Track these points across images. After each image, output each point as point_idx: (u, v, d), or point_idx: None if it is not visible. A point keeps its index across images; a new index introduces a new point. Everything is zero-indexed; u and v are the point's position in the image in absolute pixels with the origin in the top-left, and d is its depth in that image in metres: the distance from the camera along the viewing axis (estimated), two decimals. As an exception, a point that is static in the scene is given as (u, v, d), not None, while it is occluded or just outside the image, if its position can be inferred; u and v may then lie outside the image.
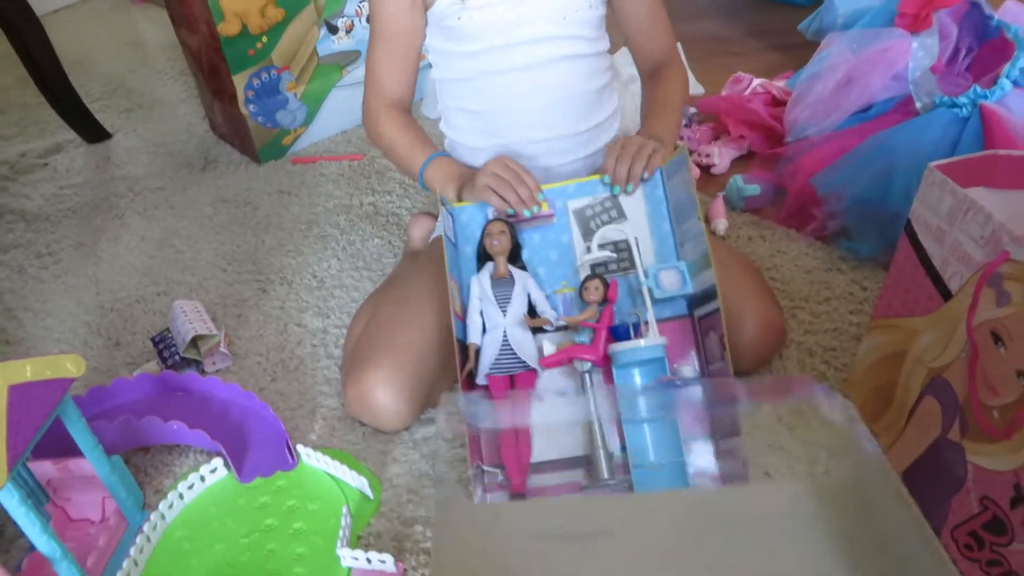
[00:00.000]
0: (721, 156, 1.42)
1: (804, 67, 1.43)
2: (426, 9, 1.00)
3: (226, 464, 0.97)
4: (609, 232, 0.95)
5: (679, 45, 1.11)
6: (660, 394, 0.91)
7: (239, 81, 1.53)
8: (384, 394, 0.96)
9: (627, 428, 0.89)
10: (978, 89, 1.17)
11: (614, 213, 0.96)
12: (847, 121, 1.29)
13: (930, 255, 0.80)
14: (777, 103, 1.50)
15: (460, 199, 1.00)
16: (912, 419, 0.85)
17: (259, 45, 1.53)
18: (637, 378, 0.91)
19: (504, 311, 0.92)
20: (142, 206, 1.55)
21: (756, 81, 1.58)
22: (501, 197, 0.93)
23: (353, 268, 1.30)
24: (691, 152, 1.48)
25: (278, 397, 1.08)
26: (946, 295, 0.78)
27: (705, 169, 1.44)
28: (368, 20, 1.66)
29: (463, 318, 0.93)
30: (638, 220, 0.95)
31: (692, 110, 1.58)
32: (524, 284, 0.94)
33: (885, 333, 0.89)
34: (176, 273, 1.34)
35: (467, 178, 0.99)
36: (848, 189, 1.17)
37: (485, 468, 0.92)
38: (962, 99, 1.18)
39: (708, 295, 0.88)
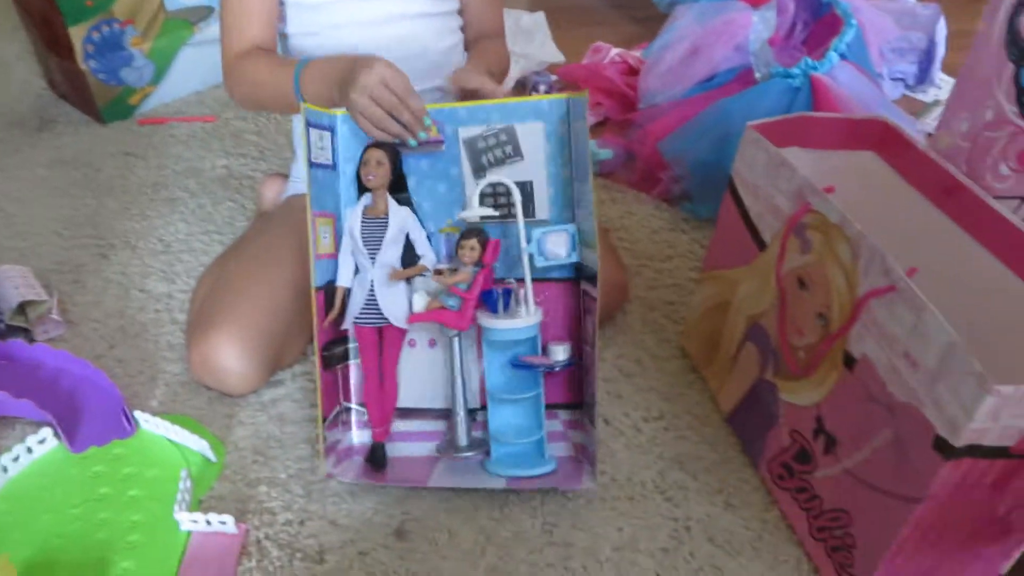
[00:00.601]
0: (578, 122, 1.46)
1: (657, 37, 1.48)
2: None
3: (56, 434, 0.92)
4: (503, 174, 0.86)
5: (543, 14, 1.13)
6: (526, 375, 0.87)
7: (76, 34, 1.43)
8: (229, 356, 0.93)
9: (490, 404, 0.87)
10: (809, 61, 1.26)
11: (509, 149, 0.87)
12: (693, 89, 1.35)
13: (748, 209, 0.85)
14: (633, 72, 1.55)
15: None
16: (736, 364, 0.91)
17: (97, -4, 1.43)
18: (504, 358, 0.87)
19: (373, 259, 0.86)
20: (-32, 168, 1.43)
21: (614, 51, 1.62)
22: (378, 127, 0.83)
23: (203, 232, 1.25)
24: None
25: (116, 364, 1.03)
26: (761, 246, 0.84)
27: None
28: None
29: (336, 255, 0.88)
30: (536, 161, 0.87)
31: (552, 78, 1.61)
32: (402, 225, 0.86)
33: (712, 285, 0.94)
34: (7, 239, 1.24)
35: (349, 82, 0.83)
36: (690, 154, 1.23)
37: (352, 407, 0.92)
38: (795, 70, 1.25)
39: (591, 278, 0.84)
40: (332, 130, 0.87)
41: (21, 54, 1.84)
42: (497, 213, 0.86)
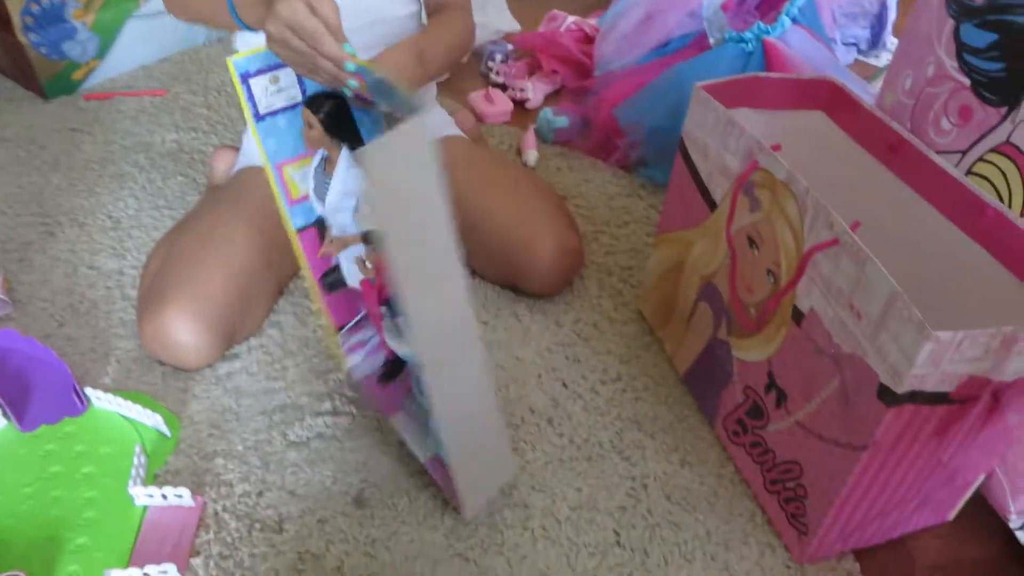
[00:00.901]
0: (535, 91, 1.45)
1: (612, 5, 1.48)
2: None
3: (5, 414, 0.90)
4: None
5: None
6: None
7: (13, 6, 1.38)
8: (182, 329, 0.92)
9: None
10: (761, 25, 1.26)
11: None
12: (648, 56, 1.35)
13: (699, 170, 0.86)
14: (589, 40, 1.55)
15: None
16: (690, 324, 0.92)
17: (34, -34, 1.38)
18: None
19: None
20: (-96, 146, 1.38)
21: (570, 19, 1.61)
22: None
23: (153, 207, 1.23)
24: (506, 88, 1.50)
25: (67, 342, 1.01)
26: (712, 206, 0.84)
27: (520, 103, 1.46)
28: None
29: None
30: None
31: (509, 47, 1.59)
32: (345, 188, 0.76)
33: (666, 247, 0.95)
34: (-54, 217, 1.21)
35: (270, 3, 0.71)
36: (646, 120, 1.24)
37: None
38: (747, 34, 1.26)
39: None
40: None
41: (-41, 29, 1.78)
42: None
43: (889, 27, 1.64)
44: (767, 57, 1.25)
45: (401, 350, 0.78)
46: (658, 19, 1.36)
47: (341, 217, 0.79)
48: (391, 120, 0.69)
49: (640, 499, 0.83)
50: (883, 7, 1.62)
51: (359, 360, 0.91)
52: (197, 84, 1.54)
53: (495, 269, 1.05)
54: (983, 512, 0.83)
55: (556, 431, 0.89)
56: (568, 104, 1.39)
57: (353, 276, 0.84)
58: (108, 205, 1.23)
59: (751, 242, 0.78)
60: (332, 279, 0.88)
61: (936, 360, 0.58)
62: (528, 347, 0.99)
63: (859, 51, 1.67)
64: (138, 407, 0.89)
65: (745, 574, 0.77)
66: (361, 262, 0.79)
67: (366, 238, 0.78)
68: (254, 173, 1.09)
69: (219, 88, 1.53)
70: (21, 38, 1.41)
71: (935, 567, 0.80)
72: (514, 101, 1.46)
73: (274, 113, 0.78)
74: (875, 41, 1.65)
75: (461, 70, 1.59)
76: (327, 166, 0.78)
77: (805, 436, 0.74)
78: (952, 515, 0.83)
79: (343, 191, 0.76)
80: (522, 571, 0.76)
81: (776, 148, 0.76)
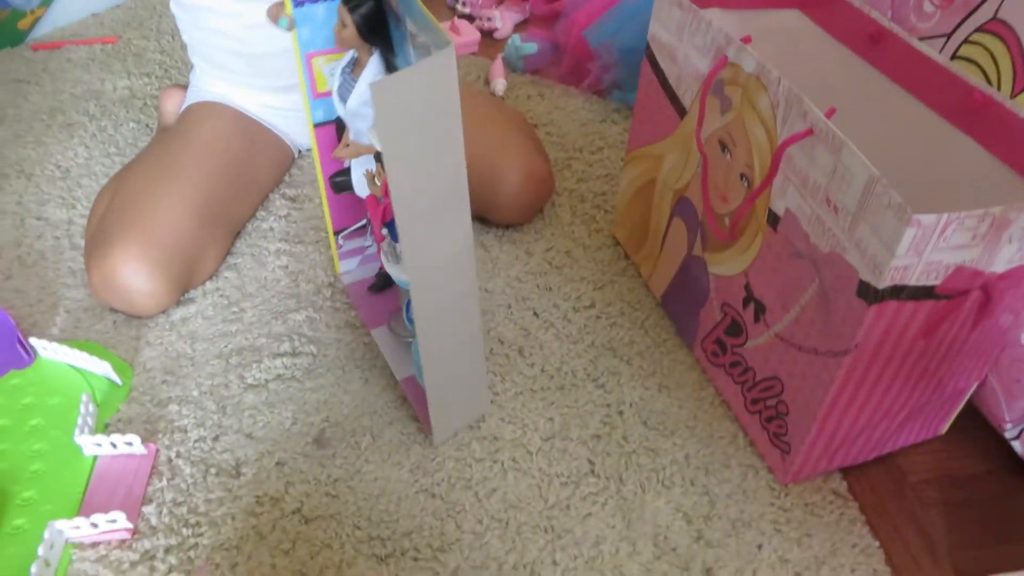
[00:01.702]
0: (503, 20, 1.38)
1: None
2: None
3: (-53, 368, 0.85)
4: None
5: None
6: None
7: (-52, -50, 1.31)
8: (133, 273, 0.87)
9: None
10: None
11: None
12: (618, -25, 1.28)
13: (666, 74, 0.80)
14: (559, -34, 1.47)
15: None
16: (665, 244, 0.87)
17: (-34, -94, 1.30)
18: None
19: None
20: None
21: (539, -55, 1.53)
22: None
23: (104, 155, 1.17)
24: (473, 19, 1.43)
25: (14, 295, 0.96)
26: (682, 112, 0.79)
27: (488, 34, 1.39)
28: None
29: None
30: None
31: (476, -23, 1.52)
32: (366, 96, 0.71)
33: (637, 165, 0.89)
34: None
35: None
36: (617, 41, 1.17)
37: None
38: (722, -54, 1.19)
39: None
40: None
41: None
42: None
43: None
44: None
45: (395, 275, 0.75)
46: (628, -64, 1.28)
47: (359, 123, 0.74)
48: (415, 42, 0.67)
49: (615, 426, 0.79)
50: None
51: (353, 267, 0.94)
52: (149, 29, 1.47)
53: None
54: (977, 425, 0.79)
55: (527, 361, 0.85)
56: (537, 30, 1.33)
57: (361, 187, 0.81)
58: (57, 155, 1.17)
59: (723, 146, 0.73)
60: (340, 181, 0.85)
61: (919, 248, 0.53)
62: (497, 278, 0.94)
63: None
64: (86, 355, 0.84)
65: (727, 497, 0.73)
66: (371, 177, 0.75)
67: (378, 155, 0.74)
68: (204, 108, 1.03)
69: (172, 33, 1.45)
70: (-42, -15, 1.34)
71: (927, 482, 0.76)
72: (482, 32, 1.39)
73: (314, 0, 0.73)
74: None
75: (425, 2, 1.51)
76: (355, 68, 0.73)
77: (785, 349, 0.69)
78: (944, 428, 0.79)
79: (365, 98, 0.72)
80: (491, 504, 0.73)
81: (746, 40, 0.70)
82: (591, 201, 1.04)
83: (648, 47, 0.82)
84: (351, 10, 0.68)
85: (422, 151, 0.57)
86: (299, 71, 0.77)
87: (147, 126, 1.22)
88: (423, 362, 0.69)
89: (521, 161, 0.95)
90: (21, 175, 1.14)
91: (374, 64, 0.70)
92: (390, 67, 0.71)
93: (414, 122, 0.55)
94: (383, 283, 0.92)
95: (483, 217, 1.00)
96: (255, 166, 1.02)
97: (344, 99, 0.74)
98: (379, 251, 0.77)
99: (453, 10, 1.49)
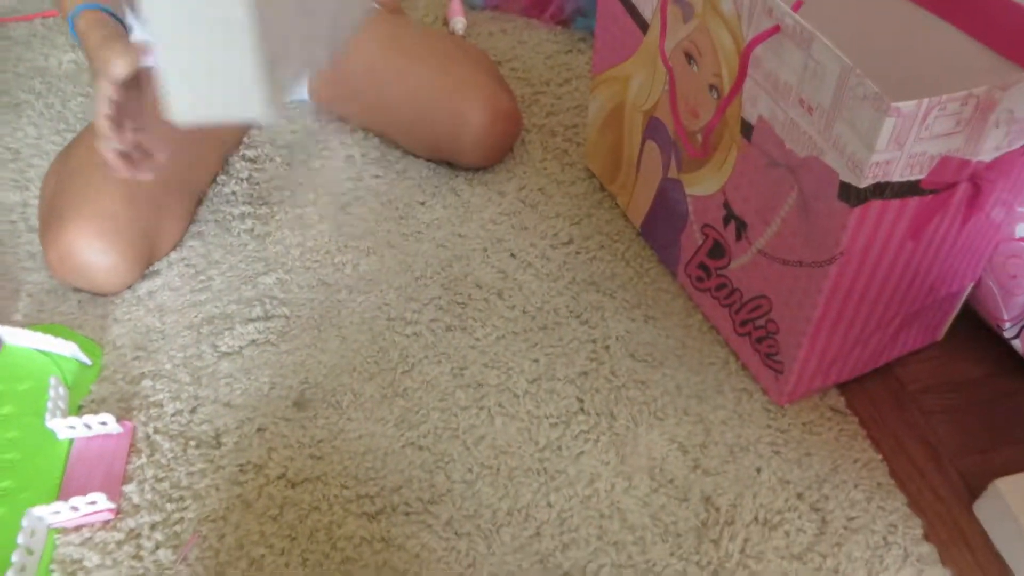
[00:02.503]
0: (458, -44, 1.32)
1: None
2: None
3: (-91, 364, 0.82)
4: None
5: None
6: None
7: None
8: (89, 249, 0.83)
9: None
10: None
11: None
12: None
13: (625, -13, 0.75)
14: None
15: None
16: (640, 170, 0.83)
17: None
18: None
19: None
20: None
21: None
22: None
23: (54, 132, 1.12)
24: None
25: (-27, 283, 0.92)
26: (644, 27, 0.74)
27: (444, -27, 1.33)
28: None
29: None
30: None
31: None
32: None
33: (604, 89, 0.85)
34: None
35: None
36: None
37: None
38: None
39: None
40: None
41: None
42: None
43: None
44: None
45: None
46: None
47: None
48: None
49: (603, 361, 0.76)
50: None
51: None
52: None
53: (427, 145, 0.95)
54: (975, 327, 0.77)
55: (507, 304, 0.82)
56: (494, -38, 1.27)
57: None
58: (6, 137, 1.12)
59: (689, 58, 0.69)
60: None
61: (900, 139, 0.50)
62: (471, 222, 0.91)
63: None
64: (52, 338, 0.81)
65: (722, 423, 0.71)
66: None
67: None
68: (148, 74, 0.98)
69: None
70: None
71: (927, 390, 0.74)
72: (438, -30, 1.33)
73: None
74: None
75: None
76: None
77: (769, 264, 0.67)
78: (941, 333, 0.77)
79: None
80: (480, 452, 0.70)
81: (705, -60, 0.65)
82: (562, 135, 1.00)
83: (605, -39, 0.78)
84: None
85: None
86: None
87: (97, 99, 1.17)
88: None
89: (485, 100, 0.90)
90: (-30, 160, 1.09)
91: None
92: None
93: None
94: None
95: (451, 162, 0.96)
96: (212, 130, 0.98)
97: None
98: None
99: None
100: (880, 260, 0.60)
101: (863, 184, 0.52)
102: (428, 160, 0.98)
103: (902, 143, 0.50)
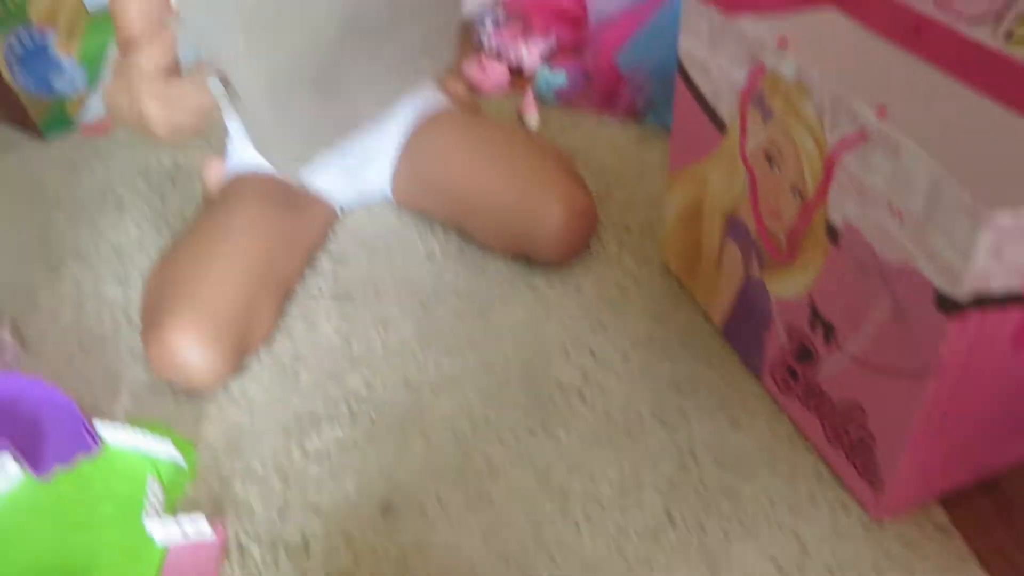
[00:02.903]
0: (530, 53, 1.37)
1: (602, -51, 1.38)
2: None
3: (18, 462, 0.86)
4: None
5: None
6: None
7: (-4, 50, 1.37)
8: (189, 348, 0.87)
9: None
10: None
11: None
12: (644, -6, 1.26)
13: (701, 89, 0.76)
14: (583, -8, 1.46)
15: None
16: (720, 269, 0.83)
17: (10, 4, 1.36)
18: None
19: None
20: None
21: (561, -27, 1.52)
22: None
23: (155, 231, 1.19)
24: (499, 54, 1.42)
25: (78, 379, 0.97)
26: (722, 128, 0.75)
27: (517, 70, 1.38)
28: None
29: None
30: None
31: (499, 12, 1.51)
32: None
33: (681, 187, 0.86)
34: (-47, 269, 1.19)
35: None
36: (648, 61, 1.14)
37: None
38: (749, -49, 1.15)
39: None
40: None
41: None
42: None
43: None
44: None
45: None
46: (650, -47, 1.26)
47: None
48: None
49: (690, 470, 0.75)
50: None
51: None
52: (190, 103, 1.51)
53: (505, 242, 0.97)
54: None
55: (589, 406, 0.81)
56: (565, 59, 1.31)
57: None
58: (110, 236, 1.20)
59: (770, 160, 0.69)
60: None
61: (998, 250, 0.49)
62: (550, 320, 0.91)
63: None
64: (150, 438, 0.84)
65: (818, 540, 0.68)
66: None
67: None
68: (243, 176, 1.04)
69: (213, 104, 1.49)
70: (7, 79, 1.40)
71: (1040, 504, 0.69)
72: (510, 68, 1.38)
73: None
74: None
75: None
76: None
77: (861, 371, 0.65)
78: (1050, 441, 0.72)
79: None
80: (569, 567, 0.69)
81: (782, 44, 0.66)
82: (637, 231, 1.01)
83: (679, 62, 0.79)
84: None
85: None
86: None
87: (193, 198, 1.24)
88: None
89: (563, 197, 0.92)
90: (77, 258, 1.17)
91: None
92: None
93: None
94: None
95: (529, 257, 0.97)
96: (300, 227, 1.02)
97: None
98: None
99: (479, 47, 1.48)
100: (982, 370, 0.57)
101: (961, 296, 0.51)
102: (506, 255, 1.00)
103: (1001, 253, 0.49)
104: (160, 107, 0.74)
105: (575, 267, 0.97)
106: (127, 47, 0.73)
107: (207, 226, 0.97)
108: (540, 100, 1.27)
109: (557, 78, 1.24)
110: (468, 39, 1.52)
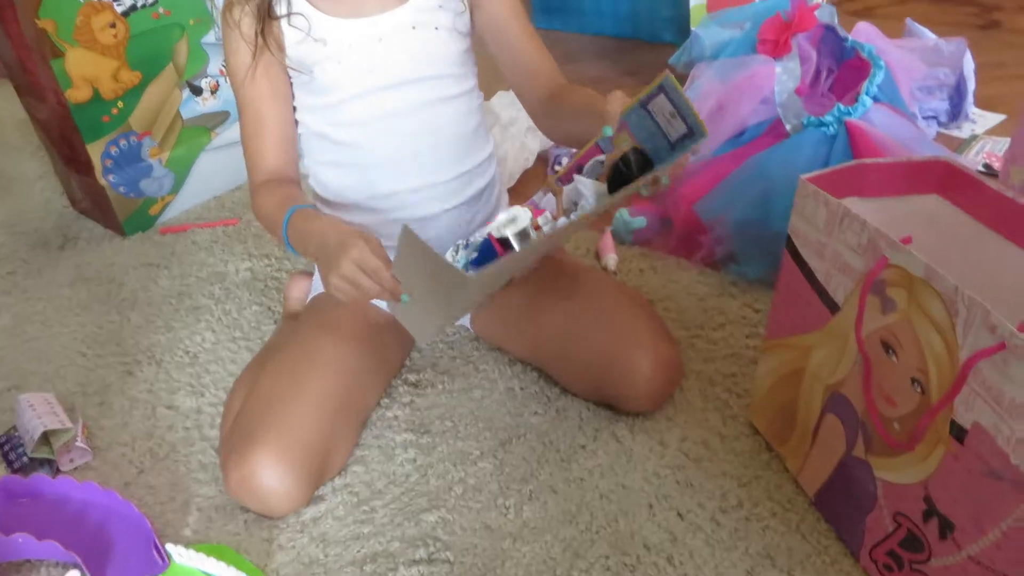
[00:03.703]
0: (606, 191, 1.41)
1: (678, 99, 1.44)
2: (281, 65, 0.94)
3: (82, 574, 0.85)
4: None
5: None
6: None
7: (95, 150, 1.43)
8: (272, 475, 0.86)
9: None
10: (841, 107, 1.21)
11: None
12: (723, 147, 1.30)
13: (813, 269, 0.78)
14: (656, 136, 1.51)
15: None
16: (817, 439, 0.82)
17: (114, 111, 1.43)
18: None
19: None
20: (-10, 294, 1.41)
21: (635, 116, 1.58)
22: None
23: (230, 339, 1.20)
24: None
25: (147, 491, 0.96)
26: (833, 308, 0.76)
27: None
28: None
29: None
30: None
31: (574, 149, 1.57)
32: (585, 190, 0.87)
33: (780, 353, 0.86)
34: (28, 363, 1.20)
35: (324, 263, 0.84)
36: (730, 213, 1.17)
37: None
38: (828, 118, 1.20)
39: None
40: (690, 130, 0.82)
41: (43, 173, 1.85)
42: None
43: (970, 97, 1.57)
44: (852, 138, 1.18)
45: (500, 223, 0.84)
46: (730, 109, 1.31)
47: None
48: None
49: (785, 650, 0.72)
50: (961, 79, 1.55)
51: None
52: (268, 214, 1.55)
53: (589, 387, 0.98)
54: None
55: (678, 571, 0.79)
56: (645, 203, 1.34)
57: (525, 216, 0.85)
58: (185, 340, 1.21)
59: (887, 347, 0.69)
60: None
61: None
62: (634, 472, 0.90)
63: (939, 123, 1.59)
64: (221, 564, 0.82)
65: None
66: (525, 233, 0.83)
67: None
68: (330, 300, 1.06)
69: (289, 213, 1.53)
70: (101, 180, 1.45)
71: None
72: (586, 203, 1.42)
73: (652, 117, 0.82)
74: (955, 113, 1.58)
75: (527, 176, 1.57)
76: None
77: (983, 574, 0.63)
78: None
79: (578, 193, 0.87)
80: None
81: (907, 241, 0.68)
82: (721, 384, 1.01)
83: (789, 240, 0.81)
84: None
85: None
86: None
87: (269, 309, 1.26)
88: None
89: (650, 347, 0.93)
90: (152, 362, 1.18)
91: (597, 187, 0.85)
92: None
93: None
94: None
95: (611, 404, 0.97)
96: (382, 354, 1.03)
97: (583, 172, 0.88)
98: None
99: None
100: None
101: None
102: (588, 400, 1.00)
103: None
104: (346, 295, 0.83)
105: (659, 418, 0.96)
106: (347, 236, 0.81)
107: (294, 352, 0.97)
108: (617, 239, 1.30)
109: (637, 222, 1.27)
110: (544, 174, 1.57)
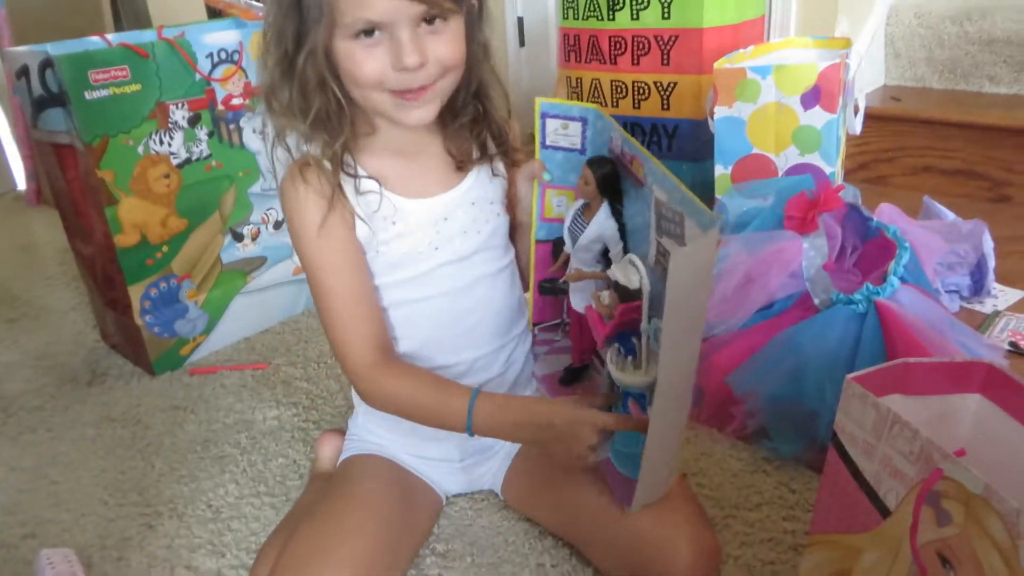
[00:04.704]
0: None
1: (706, 266, 1.48)
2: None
3: None
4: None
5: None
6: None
7: (135, 292, 1.46)
8: None
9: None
10: (871, 287, 1.23)
11: (675, 229, 0.80)
12: (752, 318, 1.32)
13: (862, 470, 0.78)
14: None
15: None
16: (868, 645, 0.79)
17: (158, 255, 1.47)
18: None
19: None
20: (15, 429, 1.40)
21: (661, 278, 1.62)
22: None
23: (253, 494, 1.18)
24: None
25: (160, 662, 0.92)
26: (884, 512, 0.75)
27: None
28: (276, 228, 1.65)
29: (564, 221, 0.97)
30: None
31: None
32: (599, 234, 0.92)
33: (826, 550, 0.84)
34: (48, 510, 1.18)
35: (553, 447, 0.89)
36: (762, 388, 1.18)
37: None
38: (857, 296, 1.23)
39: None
40: (584, 121, 0.93)
41: (76, 304, 1.89)
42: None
43: (991, 273, 1.61)
44: (882, 319, 1.20)
45: (623, 380, 0.87)
46: (759, 281, 1.35)
47: (585, 255, 0.95)
48: (660, 209, 0.80)
49: None
50: (981, 256, 1.60)
51: (540, 353, 1.07)
52: (297, 355, 1.57)
53: (624, 571, 0.94)
54: None
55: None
56: (675, 370, 1.35)
57: (579, 301, 0.97)
58: (208, 492, 1.20)
59: (944, 560, 0.68)
60: (550, 287, 1.02)
61: None
62: (673, 669, 0.86)
63: (961, 297, 1.62)
64: None
65: None
66: (597, 297, 0.90)
67: (619, 286, 0.86)
68: (362, 463, 1.05)
69: (318, 359, 1.54)
70: (138, 320, 1.48)
71: None
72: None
73: (556, 148, 0.95)
74: (977, 288, 1.61)
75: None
76: (585, 211, 0.93)
77: None
78: None
79: (594, 237, 0.92)
80: None
81: (960, 454, 0.68)
82: (760, 572, 0.98)
83: (835, 435, 0.81)
84: (594, 171, 0.90)
85: (689, 308, 0.72)
86: (534, 197, 0.98)
87: (294, 462, 1.25)
88: (648, 450, 0.80)
89: (691, 534, 0.90)
90: (174, 515, 1.16)
91: (604, 211, 0.91)
92: (616, 215, 0.91)
93: (687, 284, 0.69)
94: (571, 378, 1.04)
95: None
96: (412, 524, 1.01)
97: (574, 236, 0.94)
98: (600, 362, 0.93)
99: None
100: None
101: None
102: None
103: None
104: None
105: (697, 608, 0.93)
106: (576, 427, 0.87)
107: (324, 518, 0.94)
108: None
109: (669, 391, 1.27)
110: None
